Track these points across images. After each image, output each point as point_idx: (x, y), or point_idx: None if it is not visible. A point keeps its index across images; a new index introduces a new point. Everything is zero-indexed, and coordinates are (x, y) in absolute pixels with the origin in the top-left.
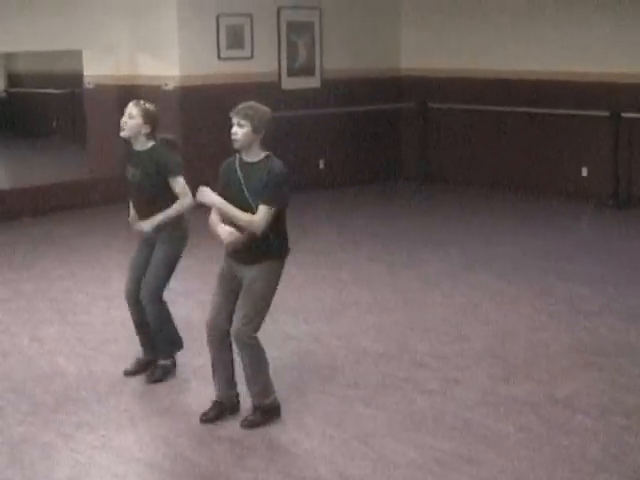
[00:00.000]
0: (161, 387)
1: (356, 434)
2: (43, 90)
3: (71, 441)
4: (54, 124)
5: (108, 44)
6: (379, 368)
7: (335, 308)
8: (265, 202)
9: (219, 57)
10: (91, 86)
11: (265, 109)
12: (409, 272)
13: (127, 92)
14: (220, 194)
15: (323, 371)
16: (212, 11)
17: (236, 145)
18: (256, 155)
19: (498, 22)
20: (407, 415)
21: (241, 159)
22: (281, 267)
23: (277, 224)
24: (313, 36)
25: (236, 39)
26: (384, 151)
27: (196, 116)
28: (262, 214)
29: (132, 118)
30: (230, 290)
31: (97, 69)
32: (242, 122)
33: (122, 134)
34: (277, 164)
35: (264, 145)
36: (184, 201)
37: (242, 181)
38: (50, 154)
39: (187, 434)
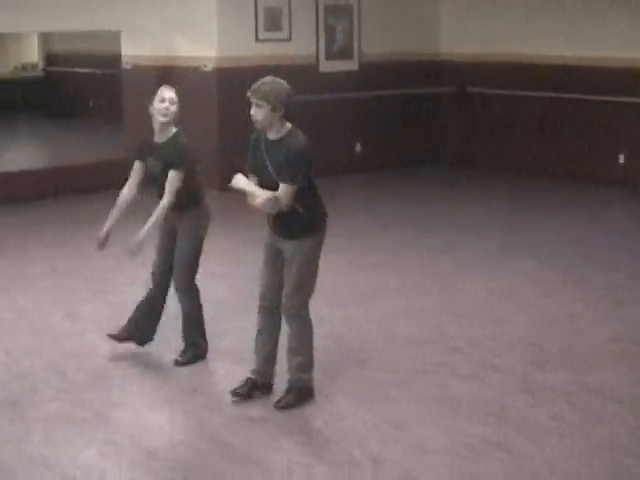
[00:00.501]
0: (194, 367)
1: (389, 418)
2: (80, 70)
3: (104, 419)
4: (91, 104)
5: (146, 25)
6: (412, 352)
7: (369, 292)
8: (285, 181)
9: (257, 39)
10: (129, 67)
11: (282, 85)
12: (444, 257)
13: (164, 73)
14: (250, 165)
15: (356, 355)
16: None
17: (257, 126)
18: (278, 132)
19: (540, 6)
20: (440, 400)
21: (266, 137)
22: (318, 241)
23: (306, 199)
24: (351, 19)
25: (274, 21)
26: (421, 135)
27: (233, 97)
28: (283, 192)
29: (174, 104)
30: (274, 263)
31: (135, 50)
32: (260, 102)
33: (163, 119)
34: (296, 141)
35: (289, 119)
36: (164, 200)
37: (266, 158)
38: (86, 134)
39: (220, 414)
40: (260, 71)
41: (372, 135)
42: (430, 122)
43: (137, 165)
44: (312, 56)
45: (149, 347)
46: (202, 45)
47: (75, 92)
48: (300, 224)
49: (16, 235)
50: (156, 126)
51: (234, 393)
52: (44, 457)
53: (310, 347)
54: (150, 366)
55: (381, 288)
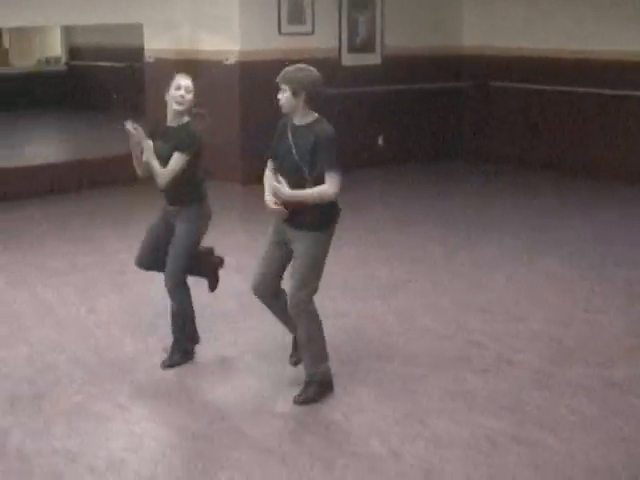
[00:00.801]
0: (215, 360)
1: (409, 412)
2: (103, 63)
3: (126, 412)
4: (114, 97)
5: (169, 18)
6: (432, 346)
7: (390, 286)
8: (329, 169)
9: (280, 32)
10: (151, 60)
11: (308, 72)
12: (465, 252)
13: (187, 66)
14: (272, 149)
15: (377, 348)
16: None
17: (282, 110)
18: (304, 118)
19: (563, 1)
20: (461, 394)
21: (292, 122)
22: (330, 234)
23: None
24: (374, 12)
25: (297, 14)
26: (444, 129)
27: (256, 91)
28: (331, 182)
29: (190, 92)
30: (275, 254)
31: (158, 43)
32: (282, 86)
33: (178, 107)
34: (325, 128)
35: (316, 109)
36: (163, 170)
37: (291, 143)
38: (108, 127)
39: (242, 408)
40: (283, 65)
41: (394, 129)
42: (452, 116)
43: None
44: (335, 49)
45: (171, 341)
46: (225, 38)
47: (98, 85)
48: (317, 215)
49: (39, 228)
50: (170, 113)
51: (294, 363)
52: (67, 449)
53: (321, 338)
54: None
55: (401, 282)
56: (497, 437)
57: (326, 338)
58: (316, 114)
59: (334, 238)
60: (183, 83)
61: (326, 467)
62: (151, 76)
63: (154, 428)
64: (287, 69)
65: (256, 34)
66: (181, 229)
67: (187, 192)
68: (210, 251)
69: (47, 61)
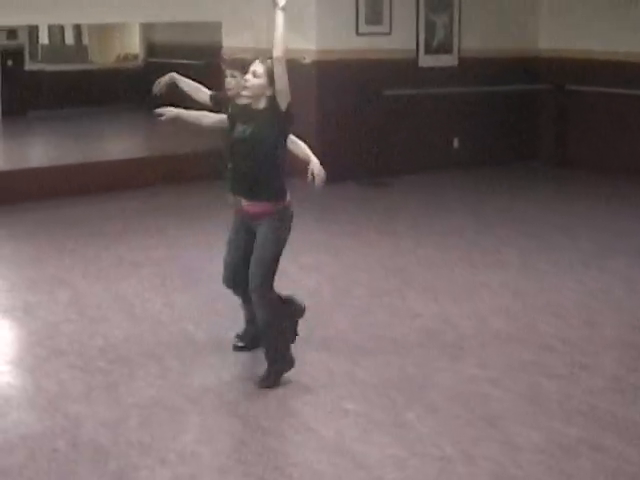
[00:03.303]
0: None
1: (482, 415)
2: (180, 61)
3: (198, 405)
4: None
5: (248, 16)
6: (507, 350)
7: (465, 289)
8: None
9: (357, 32)
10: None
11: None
12: (540, 256)
13: None
14: None
15: (450, 350)
16: None
17: (246, 93)
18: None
19: None
20: (533, 398)
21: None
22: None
23: None
24: (452, 14)
25: (375, 15)
26: (520, 132)
27: (332, 90)
28: None
29: (257, 77)
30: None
31: (236, 41)
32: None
33: (243, 93)
34: None
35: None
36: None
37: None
38: (185, 124)
39: (313, 406)
40: (360, 65)
41: (470, 131)
42: (527, 119)
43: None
44: (412, 50)
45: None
46: (302, 37)
47: (175, 83)
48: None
49: (115, 223)
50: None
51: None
52: (140, 441)
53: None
54: (246, 355)
55: (477, 285)
56: (570, 442)
57: (401, 338)
58: None
59: (411, 238)
60: (252, 67)
61: (397, 467)
62: None
63: (225, 422)
64: (242, 55)
65: (333, 34)
66: (269, 232)
67: (275, 186)
68: (290, 299)
69: (126, 58)
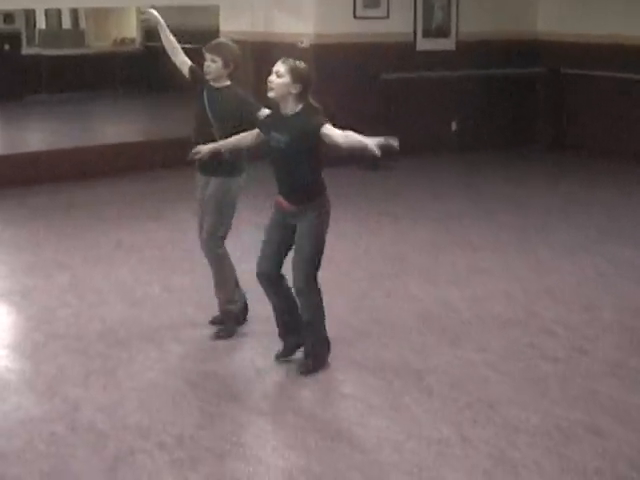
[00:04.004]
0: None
1: (480, 398)
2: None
3: (199, 390)
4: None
5: (245, 0)
6: (506, 333)
7: (463, 272)
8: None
9: (355, 16)
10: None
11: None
12: (539, 239)
13: (262, 48)
14: None
15: (449, 334)
16: None
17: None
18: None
19: None
20: (532, 382)
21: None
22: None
23: None
24: None
25: None
26: (518, 116)
27: (330, 74)
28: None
29: (280, 77)
30: None
31: (233, 25)
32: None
33: (269, 94)
34: None
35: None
36: None
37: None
38: (183, 108)
39: (312, 389)
40: (357, 48)
41: (468, 114)
42: (526, 102)
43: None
44: (409, 34)
45: (251, 322)
46: (300, 21)
47: (172, 67)
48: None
49: (113, 207)
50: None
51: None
52: (139, 425)
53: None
54: (247, 340)
55: (475, 268)
56: (568, 426)
57: (399, 322)
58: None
59: (411, 222)
60: (274, 68)
61: (395, 449)
62: None
63: (227, 407)
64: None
65: (331, 17)
66: (309, 226)
67: (314, 187)
68: None
69: (122, 42)
